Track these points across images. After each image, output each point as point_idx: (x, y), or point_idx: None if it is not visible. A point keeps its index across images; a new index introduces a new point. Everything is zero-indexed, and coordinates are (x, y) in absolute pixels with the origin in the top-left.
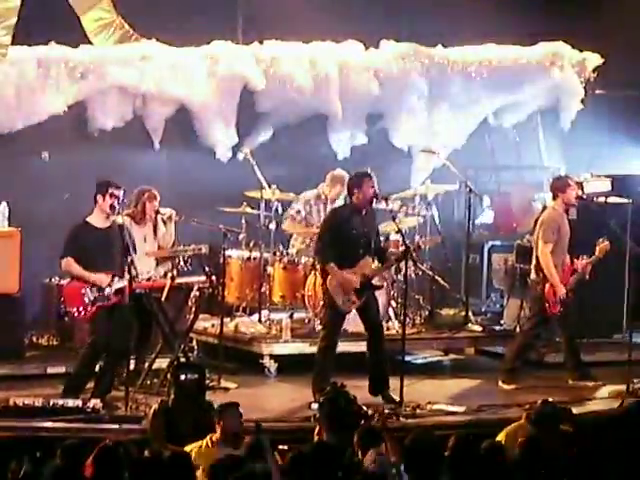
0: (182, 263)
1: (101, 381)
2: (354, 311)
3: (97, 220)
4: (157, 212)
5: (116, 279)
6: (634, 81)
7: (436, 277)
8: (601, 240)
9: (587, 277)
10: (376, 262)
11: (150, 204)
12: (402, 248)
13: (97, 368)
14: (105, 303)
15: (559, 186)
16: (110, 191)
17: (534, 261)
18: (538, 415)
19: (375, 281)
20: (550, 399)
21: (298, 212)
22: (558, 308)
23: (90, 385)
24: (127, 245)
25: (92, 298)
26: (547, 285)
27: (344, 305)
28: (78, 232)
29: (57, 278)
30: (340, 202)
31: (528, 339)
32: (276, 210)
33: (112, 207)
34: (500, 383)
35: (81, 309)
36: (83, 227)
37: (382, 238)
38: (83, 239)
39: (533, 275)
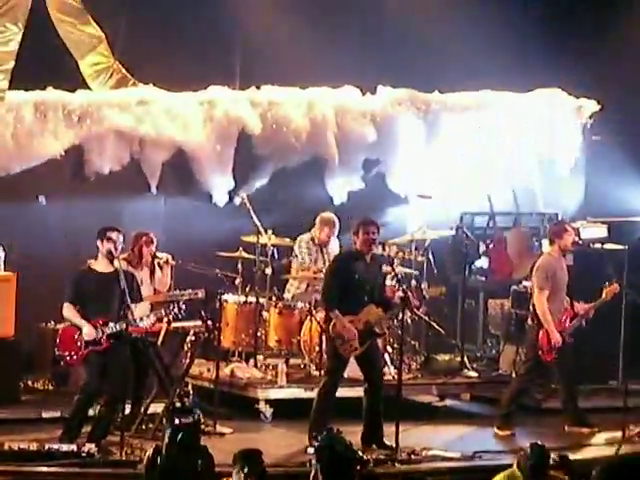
0: (176, 309)
1: (97, 426)
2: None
3: (100, 265)
4: (154, 256)
5: (110, 324)
6: (631, 127)
7: (432, 322)
8: (609, 283)
9: (586, 323)
10: (380, 310)
11: (147, 248)
12: (400, 294)
13: (93, 412)
14: (97, 347)
15: (556, 231)
16: (107, 235)
17: (532, 307)
18: (527, 461)
19: (377, 329)
20: (539, 443)
21: (295, 256)
22: (552, 355)
23: (86, 429)
24: (124, 290)
25: (84, 342)
26: (541, 331)
27: (345, 352)
28: (79, 277)
29: (53, 322)
30: (332, 245)
31: (523, 384)
32: (272, 255)
33: (109, 251)
34: (495, 429)
35: (72, 353)
36: (85, 272)
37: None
38: (83, 284)
39: (529, 321)
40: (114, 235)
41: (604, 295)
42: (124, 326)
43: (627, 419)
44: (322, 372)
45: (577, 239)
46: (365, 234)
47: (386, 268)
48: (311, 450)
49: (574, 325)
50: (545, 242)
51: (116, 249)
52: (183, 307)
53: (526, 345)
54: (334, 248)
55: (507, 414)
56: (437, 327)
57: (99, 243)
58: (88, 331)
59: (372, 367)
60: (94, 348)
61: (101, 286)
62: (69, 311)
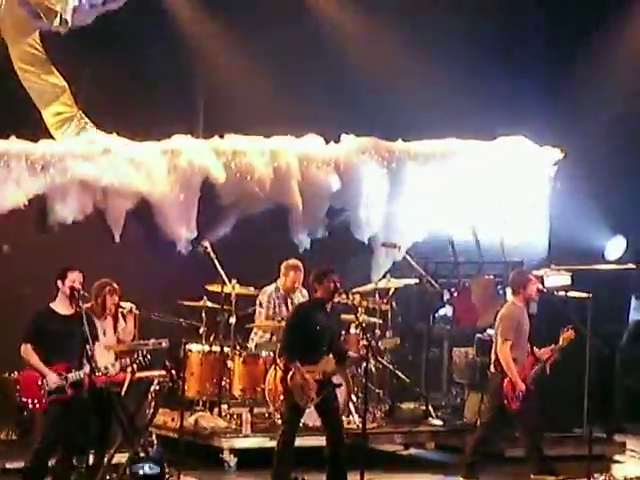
0: (140, 358)
1: (57, 476)
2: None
3: (61, 307)
4: (117, 306)
5: (73, 371)
6: (594, 174)
7: (396, 371)
8: (566, 329)
9: (548, 369)
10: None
11: (110, 298)
12: (364, 342)
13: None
14: (61, 396)
15: (520, 282)
16: (68, 275)
17: (493, 355)
18: None
19: (335, 379)
20: None
21: (260, 305)
22: (517, 403)
23: None
24: (87, 337)
25: (48, 389)
26: (506, 380)
27: (303, 402)
28: (41, 318)
29: (16, 372)
30: (297, 294)
31: (487, 433)
32: (236, 304)
33: (72, 290)
34: (460, 478)
35: (36, 401)
36: (46, 313)
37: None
38: (45, 325)
39: (492, 369)
40: (74, 275)
41: (561, 341)
42: (87, 373)
43: (592, 467)
44: None
45: (541, 287)
46: (327, 283)
47: (349, 317)
48: None
49: (536, 372)
50: (509, 290)
51: (79, 289)
52: (148, 356)
53: (489, 393)
54: (300, 298)
55: (472, 463)
56: (402, 376)
57: (59, 283)
58: (53, 379)
59: (331, 417)
60: (59, 396)
61: (62, 329)
62: (29, 354)
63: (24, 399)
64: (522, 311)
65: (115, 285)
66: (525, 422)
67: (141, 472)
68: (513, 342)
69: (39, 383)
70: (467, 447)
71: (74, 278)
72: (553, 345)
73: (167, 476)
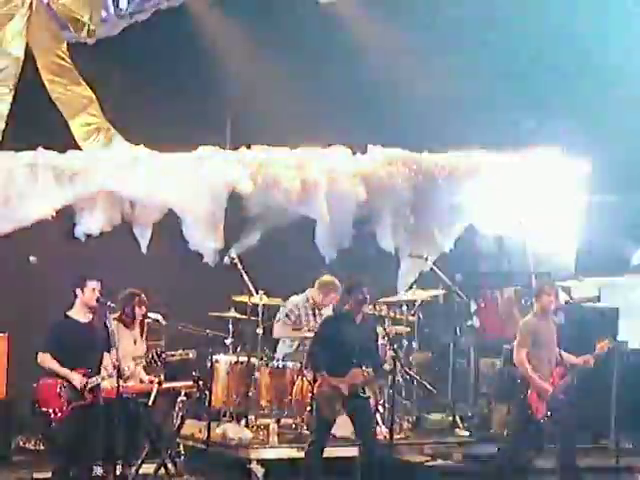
0: (156, 357)
1: None
2: (344, 416)
3: (78, 314)
4: (145, 316)
5: (94, 377)
6: (623, 186)
7: (423, 382)
8: (602, 338)
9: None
10: (368, 372)
11: (139, 309)
12: (391, 353)
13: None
14: (81, 402)
15: (536, 292)
16: (87, 284)
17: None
18: None
19: (362, 392)
20: None
21: (287, 316)
22: (543, 412)
23: None
24: (114, 345)
25: (67, 397)
26: (529, 390)
27: (329, 414)
28: (58, 327)
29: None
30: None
31: (514, 444)
32: (263, 315)
33: (98, 300)
34: None
35: (57, 410)
36: (64, 322)
37: None
38: (63, 334)
39: (518, 380)
40: (94, 283)
41: (597, 349)
42: (105, 378)
43: (619, 479)
44: None
45: (557, 302)
46: (356, 294)
47: (378, 328)
48: None
49: (566, 382)
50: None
51: (106, 302)
52: (162, 356)
53: (514, 404)
54: (329, 310)
55: (499, 474)
56: (429, 386)
57: (78, 292)
58: (79, 379)
59: (363, 427)
60: (78, 403)
61: (80, 336)
62: (48, 361)
63: (44, 409)
64: (540, 321)
65: (143, 296)
66: (559, 433)
67: None
68: (530, 351)
69: (58, 391)
70: (495, 459)
71: (93, 287)
72: (589, 354)
73: None
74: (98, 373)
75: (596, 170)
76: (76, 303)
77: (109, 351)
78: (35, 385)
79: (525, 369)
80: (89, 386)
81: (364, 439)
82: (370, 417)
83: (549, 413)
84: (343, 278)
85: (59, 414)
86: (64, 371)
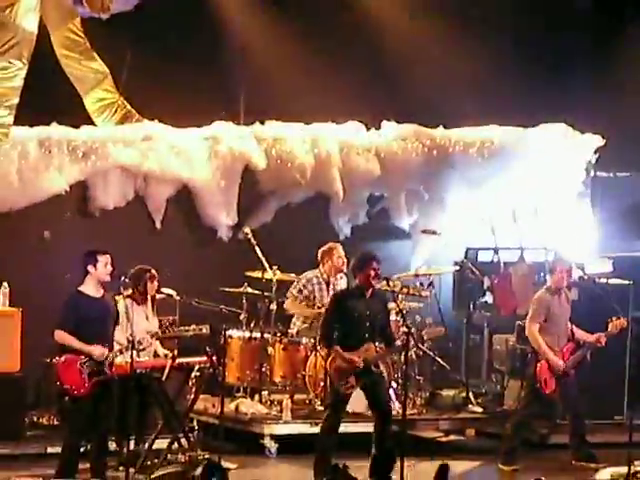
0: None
1: (97, 461)
2: (358, 391)
3: (91, 290)
4: (158, 292)
5: (113, 350)
6: (635, 161)
7: (437, 358)
8: (617, 317)
9: (589, 355)
10: (380, 347)
11: (151, 284)
12: (404, 329)
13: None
14: (102, 378)
15: (550, 267)
16: (99, 259)
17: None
18: None
19: (375, 367)
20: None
21: (300, 292)
22: (552, 387)
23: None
24: (130, 321)
25: (88, 372)
26: (539, 364)
27: (342, 388)
28: (74, 302)
29: (58, 357)
30: (340, 281)
31: (523, 418)
32: (277, 290)
33: (112, 274)
34: (499, 464)
35: (78, 385)
36: (78, 297)
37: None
38: (80, 309)
39: (530, 355)
40: (105, 258)
41: (610, 328)
42: (123, 352)
43: (632, 454)
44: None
45: (582, 274)
46: (367, 269)
47: (391, 304)
48: None
49: (576, 357)
50: (549, 277)
51: (107, 274)
52: (172, 326)
53: (525, 378)
54: (342, 285)
55: (510, 450)
56: (442, 363)
57: (90, 268)
58: (100, 351)
59: (377, 398)
60: (99, 378)
61: (95, 311)
62: (66, 338)
63: (65, 386)
64: (553, 296)
65: (154, 271)
66: (566, 408)
67: None
68: (542, 325)
69: (79, 367)
70: (504, 434)
71: (106, 261)
72: (602, 332)
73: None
74: (112, 348)
75: (609, 145)
76: (87, 279)
77: (131, 326)
78: (55, 362)
79: (537, 343)
80: (109, 360)
81: (379, 413)
82: (384, 391)
83: (558, 388)
84: (356, 254)
85: (81, 390)
86: (84, 346)
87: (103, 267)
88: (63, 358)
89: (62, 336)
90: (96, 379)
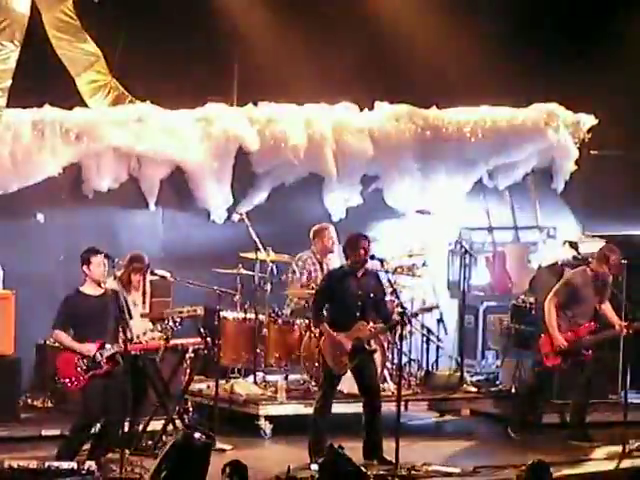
0: (172, 323)
1: (97, 444)
2: (350, 372)
3: (89, 289)
4: (143, 281)
5: (107, 346)
6: (628, 142)
7: (431, 338)
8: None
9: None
10: (372, 326)
11: (134, 276)
12: (398, 309)
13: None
14: (98, 371)
15: (599, 255)
16: (92, 260)
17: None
18: (527, 476)
19: (369, 345)
20: (542, 459)
21: (293, 272)
22: (554, 361)
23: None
24: (122, 308)
25: (85, 367)
26: (543, 336)
27: (335, 367)
28: (70, 302)
29: (52, 340)
30: (333, 261)
31: (530, 389)
32: (271, 271)
33: (99, 276)
34: (510, 432)
35: (74, 379)
36: (75, 296)
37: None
38: (75, 308)
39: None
40: (98, 258)
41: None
42: (122, 346)
43: (627, 433)
44: None
45: (577, 254)
46: (358, 249)
47: (385, 283)
48: (314, 467)
49: (591, 340)
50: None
51: (103, 274)
52: (178, 321)
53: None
54: (334, 265)
55: (522, 421)
56: (437, 342)
57: (85, 269)
58: (88, 347)
59: (367, 382)
60: (95, 372)
61: (94, 308)
62: (60, 337)
63: (62, 379)
64: (587, 279)
65: (142, 264)
66: (577, 385)
67: (196, 436)
68: (570, 305)
69: (75, 361)
70: (513, 408)
71: (99, 262)
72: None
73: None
74: (115, 341)
75: (603, 124)
76: (86, 280)
77: (130, 315)
78: (56, 350)
79: (550, 316)
80: (104, 357)
81: (369, 393)
82: (373, 371)
83: (563, 365)
84: (349, 234)
85: (76, 383)
86: (75, 344)
87: (96, 268)
88: (61, 354)
89: (56, 335)
90: (92, 373)
